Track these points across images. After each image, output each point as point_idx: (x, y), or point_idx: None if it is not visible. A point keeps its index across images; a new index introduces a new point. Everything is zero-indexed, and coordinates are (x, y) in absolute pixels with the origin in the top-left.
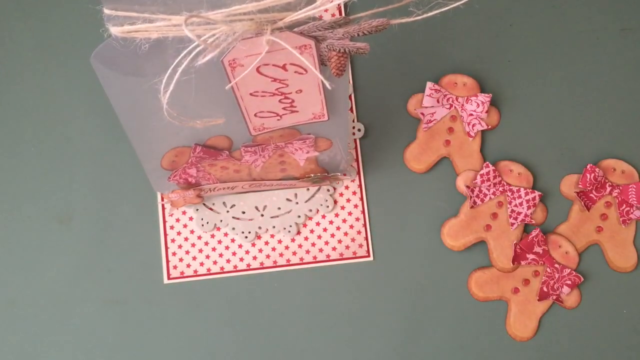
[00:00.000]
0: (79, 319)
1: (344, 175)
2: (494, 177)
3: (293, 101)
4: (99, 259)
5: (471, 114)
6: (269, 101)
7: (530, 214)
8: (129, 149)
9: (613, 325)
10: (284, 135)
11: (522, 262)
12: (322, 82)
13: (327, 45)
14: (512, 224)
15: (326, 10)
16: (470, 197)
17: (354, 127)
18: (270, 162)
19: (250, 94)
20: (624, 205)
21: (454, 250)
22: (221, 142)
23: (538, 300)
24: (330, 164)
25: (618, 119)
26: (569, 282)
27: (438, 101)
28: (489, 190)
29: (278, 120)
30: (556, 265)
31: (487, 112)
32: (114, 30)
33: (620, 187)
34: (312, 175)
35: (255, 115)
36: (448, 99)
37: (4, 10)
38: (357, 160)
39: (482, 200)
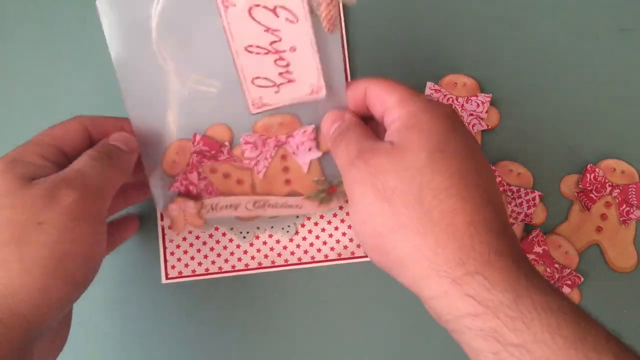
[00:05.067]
0: (77, 319)
1: None
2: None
3: (288, 64)
4: None
5: (471, 114)
6: (265, 62)
7: (531, 214)
8: None
9: (613, 325)
10: (284, 124)
11: None
12: (313, 38)
13: None
14: (512, 224)
15: None
16: None
17: None
18: (272, 167)
19: (246, 49)
20: (624, 205)
21: None
22: (221, 132)
23: None
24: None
25: (618, 119)
26: (569, 282)
27: (438, 101)
28: None
29: (276, 92)
30: (556, 265)
31: (487, 112)
32: None
33: (620, 187)
34: (319, 190)
35: (252, 82)
36: (448, 99)
37: (3, 9)
38: None
39: None
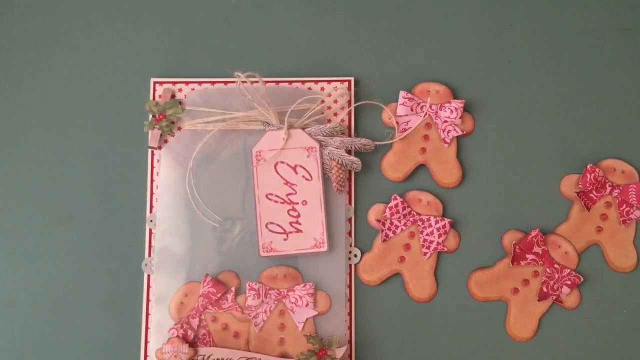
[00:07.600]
0: (79, 319)
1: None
2: (404, 209)
3: (299, 216)
4: (99, 259)
5: (445, 121)
6: (280, 210)
7: (442, 241)
8: (128, 150)
9: (613, 325)
10: (288, 276)
11: (522, 262)
12: (323, 196)
13: (328, 153)
14: (425, 254)
15: (335, 114)
16: (382, 230)
17: (350, 252)
18: (270, 322)
19: (266, 196)
20: (624, 205)
21: (370, 285)
22: (230, 279)
23: (538, 300)
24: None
25: (618, 119)
26: (568, 282)
27: (412, 109)
28: (400, 222)
29: (285, 240)
30: (556, 266)
31: (461, 117)
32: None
33: (620, 187)
34: (309, 351)
35: (266, 226)
36: (422, 107)
37: (3, 8)
38: (349, 285)
39: (394, 233)
